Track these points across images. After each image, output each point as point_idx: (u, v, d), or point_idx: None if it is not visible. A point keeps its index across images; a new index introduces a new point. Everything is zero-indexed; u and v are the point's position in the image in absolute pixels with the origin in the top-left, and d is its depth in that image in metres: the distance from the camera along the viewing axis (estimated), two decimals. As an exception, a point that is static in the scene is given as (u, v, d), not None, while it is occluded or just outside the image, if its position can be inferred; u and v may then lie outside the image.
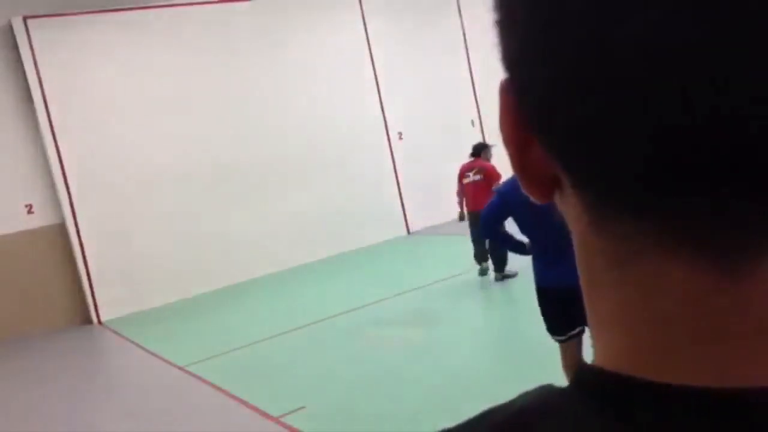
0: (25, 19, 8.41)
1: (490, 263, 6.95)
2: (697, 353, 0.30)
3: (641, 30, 0.27)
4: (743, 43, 0.26)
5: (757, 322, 0.30)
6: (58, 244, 8.73)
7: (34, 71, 8.46)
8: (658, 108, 0.27)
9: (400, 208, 10.80)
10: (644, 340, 0.32)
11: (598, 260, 0.33)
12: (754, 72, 0.26)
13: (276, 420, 4.36)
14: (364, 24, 10.54)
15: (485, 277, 6.97)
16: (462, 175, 7.16)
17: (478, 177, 6.83)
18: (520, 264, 6.74)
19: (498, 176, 6.58)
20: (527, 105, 0.33)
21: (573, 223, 0.35)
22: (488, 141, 8.89)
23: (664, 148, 0.28)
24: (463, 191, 7.11)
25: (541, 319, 3.51)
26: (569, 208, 0.34)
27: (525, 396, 0.36)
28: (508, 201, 3.32)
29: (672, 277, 0.30)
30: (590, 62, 0.28)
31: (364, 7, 10.51)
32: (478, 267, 7.05)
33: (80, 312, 8.75)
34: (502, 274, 6.79)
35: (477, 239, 6.91)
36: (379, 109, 10.63)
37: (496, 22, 0.33)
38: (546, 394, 0.35)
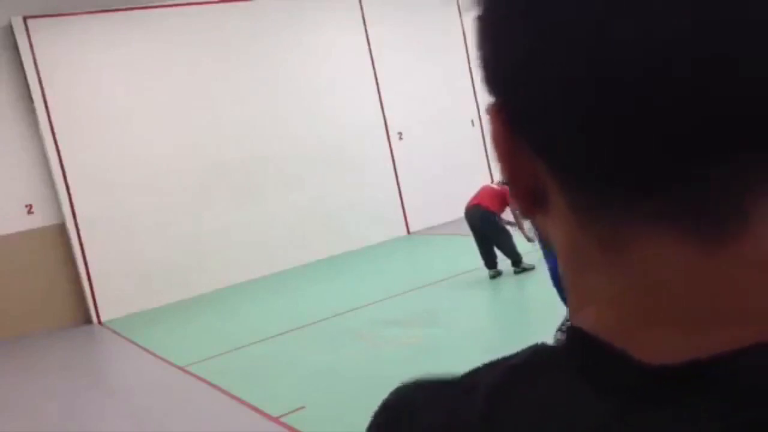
0: (25, 19, 8.41)
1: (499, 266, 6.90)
2: (681, 321, 0.31)
3: (630, 35, 0.29)
4: (709, 45, 0.28)
5: (742, 291, 0.31)
6: (58, 244, 8.72)
7: (34, 71, 8.45)
8: (638, 102, 0.29)
9: (400, 208, 10.80)
10: (632, 311, 0.33)
11: (586, 246, 0.34)
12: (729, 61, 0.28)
13: (276, 420, 4.36)
14: (365, 24, 10.54)
15: (485, 277, 6.96)
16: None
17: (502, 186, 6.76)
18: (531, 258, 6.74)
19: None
20: (517, 110, 0.34)
21: (557, 229, 0.36)
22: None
23: (648, 138, 0.30)
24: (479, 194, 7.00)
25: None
26: (552, 218, 0.36)
27: (518, 355, 0.37)
28: None
29: (659, 255, 0.32)
30: (580, 63, 0.30)
31: (364, 7, 10.51)
32: (489, 272, 6.92)
33: (80, 312, 8.75)
34: (520, 267, 6.77)
35: (481, 241, 6.82)
36: (379, 109, 10.63)
37: (478, 18, 0.34)
38: (537, 353, 0.37)
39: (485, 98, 0.37)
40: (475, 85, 11.29)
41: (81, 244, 8.67)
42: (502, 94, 0.35)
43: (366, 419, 0.46)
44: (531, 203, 0.36)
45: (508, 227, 6.82)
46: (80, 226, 8.66)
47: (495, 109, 0.35)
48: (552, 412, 0.33)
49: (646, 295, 0.32)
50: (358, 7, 10.50)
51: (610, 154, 0.31)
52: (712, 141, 0.29)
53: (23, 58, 8.43)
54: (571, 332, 0.35)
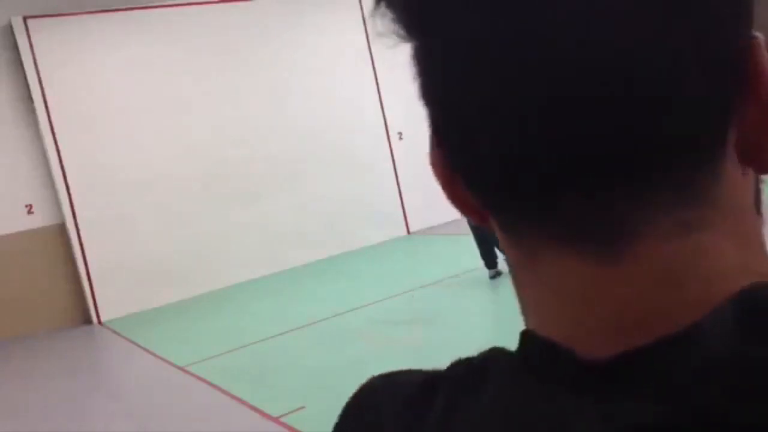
0: (25, 19, 8.40)
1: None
2: (594, 328, 0.33)
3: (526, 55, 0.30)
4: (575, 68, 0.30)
5: (641, 302, 0.32)
6: (58, 244, 8.72)
7: (34, 71, 8.45)
8: (524, 124, 0.31)
9: (400, 208, 10.80)
10: (555, 327, 0.35)
11: (514, 263, 0.38)
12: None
13: (276, 420, 4.36)
14: (364, 24, 10.54)
15: (484, 277, 6.95)
16: None
17: None
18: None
19: None
20: (443, 138, 0.37)
21: (500, 240, 0.39)
22: None
23: (538, 161, 0.32)
24: None
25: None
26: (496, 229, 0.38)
27: (479, 356, 0.40)
28: None
29: (564, 271, 0.34)
30: (483, 90, 0.32)
31: (364, 8, 10.51)
32: (489, 272, 6.93)
33: (80, 312, 8.75)
34: None
35: (481, 241, 6.83)
36: (379, 109, 10.63)
37: (412, 53, 0.37)
38: (494, 355, 0.39)
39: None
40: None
41: (81, 244, 8.67)
42: (435, 133, 0.37)
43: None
44: (477, 216, 0.39)
45: None
46: (80, 226, 8.66)
47: (432, 141, 0.38)
48: (505, 411, 0.35)
49: (562, 306, 0.34)
50: (358, 7, 10.50)
51: (512, 178, 0.33)
52: (577, 170, 0.31)
53: (23, 58, 8.42)
54: (522, 335, 0.37)
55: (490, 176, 0.34)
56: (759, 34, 0.33)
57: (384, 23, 0.36)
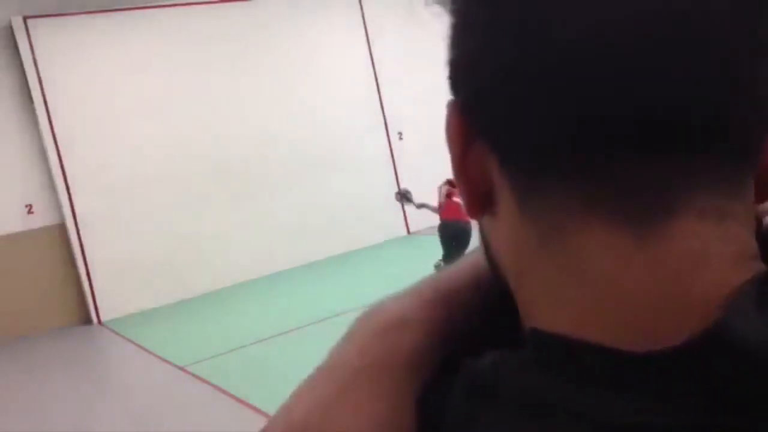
0: (25, 19, 8.40)
1: None
2: (622, 318, 0.32)
3: (571, 22, 0.31)
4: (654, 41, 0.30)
5: (671, 283, 0.32)
6: (58, 244, 8.72)
7: (34, 71, 8.45)
8: (580, 86, 0.31)
9: (400, 208, 10.79)
10: (578, 305, 0.33)
11: (529, 242, 0.36)
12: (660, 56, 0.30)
13: (276, 420, 4.35)
14: (364, 23, 10.54)
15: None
16: (452, 194, 7.15)
17: None
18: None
19: None
20: (470, 104, 0.36)
21: (502, 231, 0.37)
22: None
23: (580, 119, 0.31)
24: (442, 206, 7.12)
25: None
26: (498, 220, 0.37)
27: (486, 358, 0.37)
28: None
29: (592, 245, 0.33)
30: (523, 55, 0.32)
31: (364, 7, 10.51)
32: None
33: (80, 312, 8.75)
34: None
35: (452, 250, 6.80)
36: (379, 109, 10.63)
37: (452, 25, 0.36)
38: (503, 356, 0.37)
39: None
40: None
41: (81, 244, 8.67)
42: (460, 91, 0.37)
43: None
44: (479, 204, 0.38)
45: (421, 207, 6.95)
46: (80, 226, 8.66)
47: (453, 106, 0.37)
48: (530, 414, 0.33)
49: (586, 287, 0.33)
50: (358, 6, 10.50)
51: (545, 139, 0.32)
52: (640, 132, 0.31)
53: (23, 58, 8.42)
54: (534, 335, 0.35)
55: (538, 131, 0.33)
56: None
57: None
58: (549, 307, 0.35)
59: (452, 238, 6.69)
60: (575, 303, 0.34)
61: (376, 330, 0.43)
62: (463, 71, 0.36)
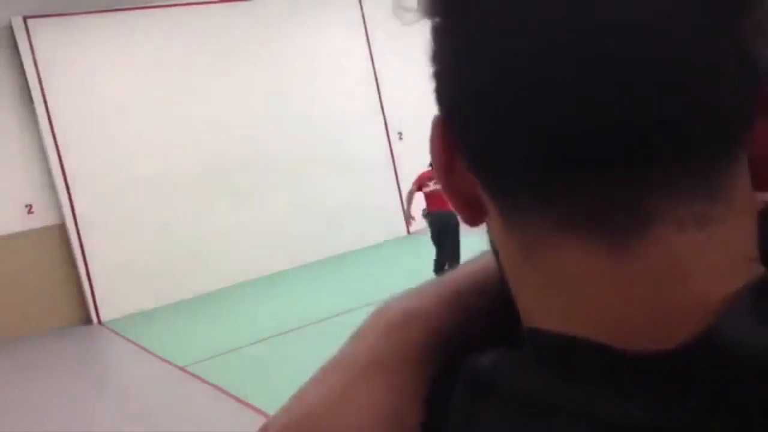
0: (25, 19, 8.41)
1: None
2: (605, 330, 0.32)
3: (545, 46, 0.30)
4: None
5: (652, 296, 0.31)
6: (58, 244, 8.72)
7: (34, 71, 8.46)
8: (552, 104, 0.31)
9: (400, 208, 10.80)
10: (564, 317, 0.34)
11: (516, 253, 0.36)
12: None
13: (276, 420, 4.35)
14: (364, 23, 10.55)
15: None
16: (422, 183, 7.27)
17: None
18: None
19: None
20: (452, 119, 0.36)
21: (495, 235, 0.38)
22: None
23: (546, 139, 0.31)
24: (425, 197, 7.22)
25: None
26: (491, 222, 0.37)
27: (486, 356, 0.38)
28: None
29: (569, 261, 0.33)
30: (490, 74, 0.32)
31: (364, 7, 10.51)
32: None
33: (80, 312, 8.75)
34: None
35: (441, 244, 6.85)
36: (379, 109, 10.63)
37: (433, 29, 0.36)
38: (502, 355, 0.37)
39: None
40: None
41: (81, 244, 8.67)
42: (442, 105, 0.36)
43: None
44: (471, 213, 0.38)
45: None
46: (80, 226, 8.66)
47: (437, 120, 0.37)
48: (530, 414, 0.33)
49: (569, 301, 0.33)
50: (358, 7, 10.50)
51: (516, 159, 0.33)
52: (605, 148, 0.30)
53: (23, 58, 8.43)
54: (532, 334, 0.36)
55: (508, 152, 0.33)
56: None
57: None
58: (541, 314, 0.35)
59: (439, 229, 6.78)
60: (562, 314, 0.34)
61: (383, 327, 0.44)
62: (442, 87, 0.36)
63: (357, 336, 0.45)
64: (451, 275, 0.48)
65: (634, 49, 0.30)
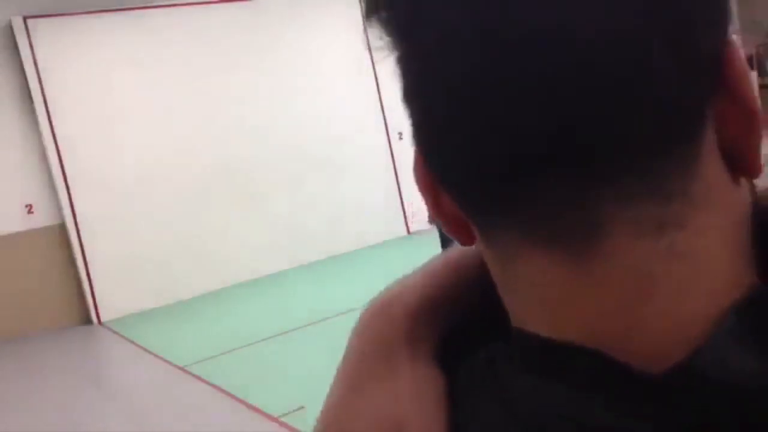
0: (25, 19, 8.40)
1: None
2: (581, 338, 0.32)
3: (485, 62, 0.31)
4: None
5: (620, 311, 0.31)
6: (58, 244, 8.72)
7: (34, 71, 8.45)
8: (486, 118, 0.31)
9: (400, 208, 10.80)
10: (543, 326, 0.34)
11: (495, 268, 0.37)
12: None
13: (276, 420, 4.36)
14: (364, 23, 10.53)
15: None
16: None
17: None
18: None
19: None
20: (423, 144, 0.37)
21: (483, 253, 0.38)
22: None
23: (491, 151, 0.31)
24: None
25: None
26: (478, 242, 0.38)
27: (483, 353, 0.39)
28: None
29: (536, 273, 0.33)
30: (449, 99, 0.33)
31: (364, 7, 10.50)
32: None
33: (80, 312, 8.75)
34: None
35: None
36: (379, 109, 10.63)
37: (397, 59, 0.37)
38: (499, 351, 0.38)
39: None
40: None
41: (81, 244, 8.67)
42: (414, 134, 0.37)
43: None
44: (460, 234, 0.39)
45: None
46: (80, 226, 8.66)
47: (416, 154, 0.38)
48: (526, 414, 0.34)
49: (543, 314, 0.34)
50: (358, 7, 10.49)
51: (473, 175, 0.33)
52: (550, 154, 0.30)
53: (23, 58, 8.42)
54: (519, 335, 0.36)
55: (464, 173, 0.34)
56: (734, 38, 0.33)
57: (376, 33, 0.38)
58: (523, 322, 0.36)
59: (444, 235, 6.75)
60: (544, 324, 0.34)
61: (374, 310, 0.45)
62: (409, 115, 0.37)
63: (354, 328, 0.46)
64: (444, 253, 0.48)
65: (552, 53, 0.29)
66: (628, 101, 0.29)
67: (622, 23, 0.29)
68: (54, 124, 8.55)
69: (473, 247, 0.43)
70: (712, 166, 0.32)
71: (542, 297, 0.34)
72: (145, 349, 6.82)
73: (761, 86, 7.55)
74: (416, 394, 0.39)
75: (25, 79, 8.48)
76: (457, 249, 0.47)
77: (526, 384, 0.34)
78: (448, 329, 0.43)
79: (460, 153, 0.33)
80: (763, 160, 0.34)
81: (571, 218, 0.31)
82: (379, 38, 0.38)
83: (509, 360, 0.36)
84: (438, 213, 0.39)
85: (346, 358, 0.45)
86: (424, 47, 0.33)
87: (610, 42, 0.29)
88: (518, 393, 0.34)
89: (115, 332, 8.01)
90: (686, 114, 0.31)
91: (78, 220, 8.66)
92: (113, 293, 8.71)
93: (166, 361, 6.24)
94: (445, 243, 6.89)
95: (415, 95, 0.35)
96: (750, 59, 7.78)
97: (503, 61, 0.30)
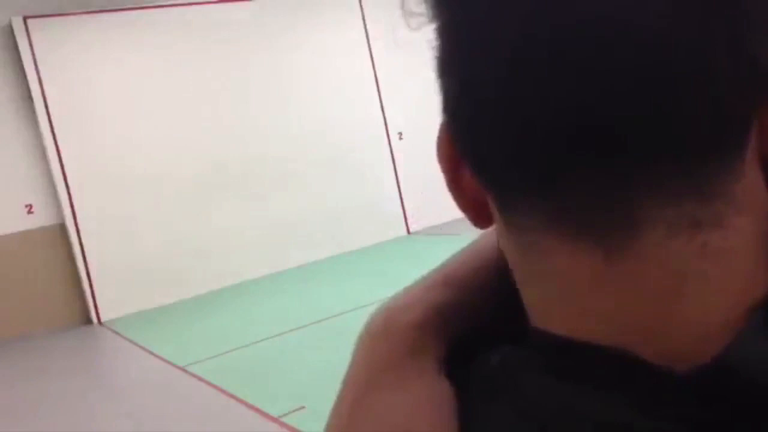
0: (25, 19, 8.40)
1: None
2: (606, 338, 0.32)
3: (543, 44, 0.30)
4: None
5: (651, 305, 0.31)
6: (58, 244, 8.72)
7: (34, 71, 8.45)
8: (533, 103, 0.30)
9: (400, 208, 10.80)
10: (563, 322, 0.34)
11: (516, 255, 0.36)
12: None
13: (276, 420, 4.36)
14: (364, 23, 10.55)
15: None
16: None
17: None
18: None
19: None
20: (455, 125, 0.36)
21: (499, 237, 0.38)
22: None
23: (531, 136, 0.31)
24: None
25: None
26: (497, 224, 0.37)
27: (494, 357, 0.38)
28: None
29: (563, 263, 0.32)
30: (475, 71, 0.32)
31: (364, 7, 10.51)
32: None
33: (80, 312, 8.75)
34: None
35: None
36: (379, 109, 10.63)
37: (434, 33, 0.36)
38: (509, 355, 0.37)
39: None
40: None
41: (81, 244, 8.67)
42: (446, 108, 0.37)
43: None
44: (479, 215, 0.38)
45: None
46: (80, 226, 8.66)
47: (443, 127, 0.37)
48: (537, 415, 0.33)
49: (566, 306, 0.33)
50: (358, 6, 10.50)
51: (505, 158, 0.33)
52: (587, 144, 0.30)
53: (23, 58, 8.42)
54: (536, 334, 0.36)
55: (500, 149, 0.33)
56: None
57: (413, 3, 0.36)
58: (545, 315, 0.35)
59: None
60: (565, 319, 0.34)
61: (380, 321, 0.44)
62: (443, 90, 0.36)
63: (359, 338, 0.46)
64: (450, 259, 0.48)
65: (614, 45, 0.29)
66: (686, 100, 0.29)
67: (686, 20, 0.29)
68: (54, 124, 8.55)
69: (491, 241, 0.43)
70: (751, 170, 0.32)
71: (566, 288, 0.33)
72: (145, 349, 6.82)
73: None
74: (425, 407, 0.39)
75: (25, 79, 8.49)
76: (473, 248, 0.46)
77: (545, 385, 0.33)
78: (458, 336, 0.42)
79: (500, 128, 0.32)
80: None
81: (605, 210, 0.31)
82: (417, 4, 0.36)
83: (526, 362, 0.35)
84: (455, 188, 0.38)
85: (352, 368, 0.44)
86: (475, 16, 0.32)
87: (673, 37, 0.29)
88: (537, 395, 0.33)
89: (115, 332, 8.01)
90: (737, 118, 0.31)
91: (78, 220, 8.66)
92: (113, 293, 8.71)
93: (166, 361, 6.24)
94: None
95: (456, 66, 0.34)
96: None
97: (559, 42, 0.29)
